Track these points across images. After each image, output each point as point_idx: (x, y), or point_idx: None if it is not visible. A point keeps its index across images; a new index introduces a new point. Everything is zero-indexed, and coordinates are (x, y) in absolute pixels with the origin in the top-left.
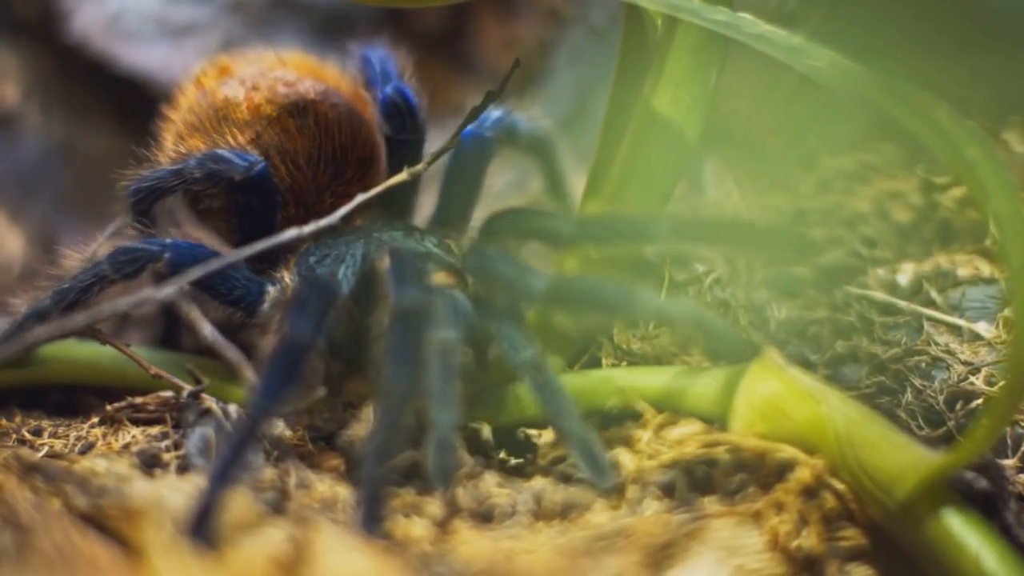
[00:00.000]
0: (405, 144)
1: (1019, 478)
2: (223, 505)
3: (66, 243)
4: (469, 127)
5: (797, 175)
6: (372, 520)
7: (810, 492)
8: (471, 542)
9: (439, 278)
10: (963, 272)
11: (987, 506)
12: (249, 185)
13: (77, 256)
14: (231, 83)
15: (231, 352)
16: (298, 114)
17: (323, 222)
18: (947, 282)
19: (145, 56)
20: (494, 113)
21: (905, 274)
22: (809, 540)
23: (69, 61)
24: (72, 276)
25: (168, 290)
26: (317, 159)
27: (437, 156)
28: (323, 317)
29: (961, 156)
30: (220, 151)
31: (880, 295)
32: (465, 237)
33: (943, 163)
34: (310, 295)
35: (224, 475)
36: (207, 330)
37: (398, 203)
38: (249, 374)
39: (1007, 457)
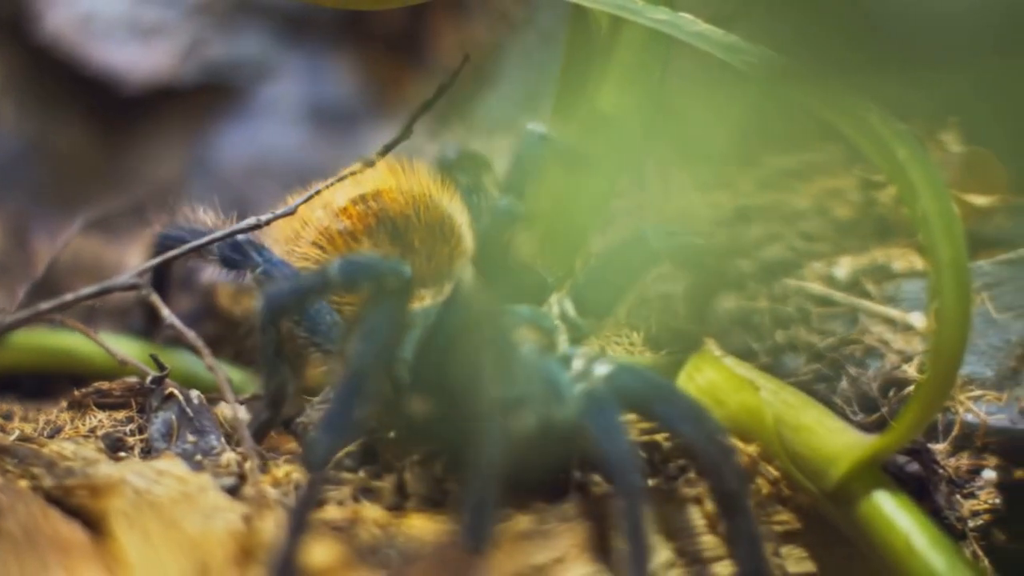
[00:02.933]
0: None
1: (950, 462)
2: (300, 554)
3: (40, 236)
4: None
5: (739, 174)
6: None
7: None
8: (421, 526)
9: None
10: (898, 266)
11: (918, 489)
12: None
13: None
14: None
15: (191, 337)
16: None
17: (280, 212)
18: (883, 275)
19: (115, 56)
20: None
21: (842, 267)
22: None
23: (42, 60)
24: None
25: (124, 278)
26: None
27: (390, 147)
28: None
29: (892, 157)
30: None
31: (818, 287)
32: None
33: (875, 163)
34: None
35: (299, 525)
36: (166, 313)
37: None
38: (209, 360)
39: (939, 442)
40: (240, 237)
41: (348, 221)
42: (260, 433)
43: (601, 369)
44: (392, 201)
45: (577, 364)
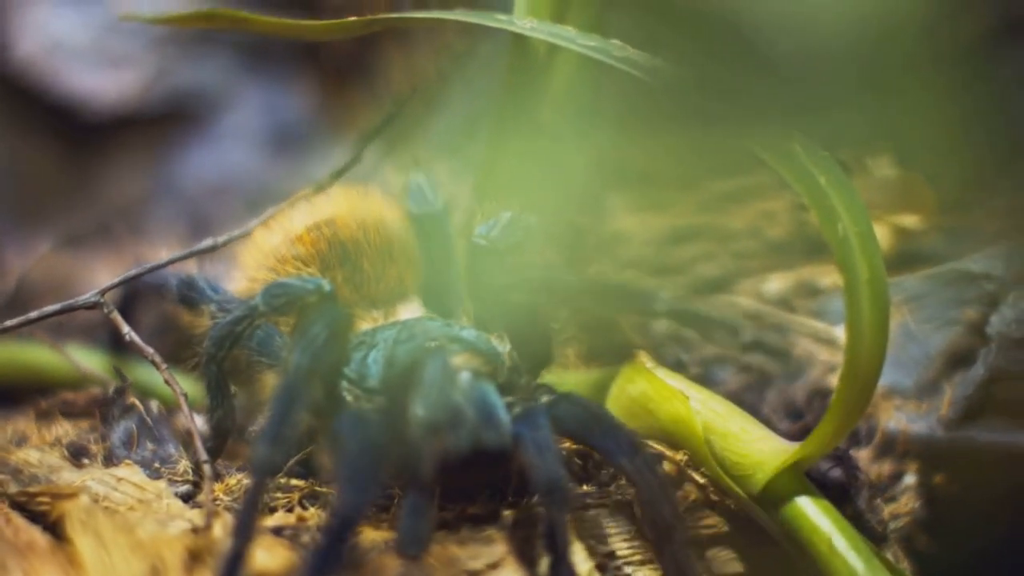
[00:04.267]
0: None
1: (871, 468)
2: (246, 556)
3: (9, 253)
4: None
5: (675, 197)
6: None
7: (673, 484)
8: (364, 532)
9: (460, 360)
10: (825, 283)
11: (841, 493)
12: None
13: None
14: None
15: (147, 351)
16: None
17: (237, 233)
18: (810, 292)
19: (82, 83)
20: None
21: (772, 284)
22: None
23: (12, 86)
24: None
25: (87, 296)
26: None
27: (341, 172)
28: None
29: (813, 182)
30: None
31: (748, 302)
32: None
33: (797, 189)
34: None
35: (244, 528)
36: (125, 330)
37: (439, 296)
38: (166, 374)
39: (862, 448)
40: (196, 276)
41: (301, 247)
42: (212, 453)
43: (545, 396)
44: (344, 227)
45: (522, 390)
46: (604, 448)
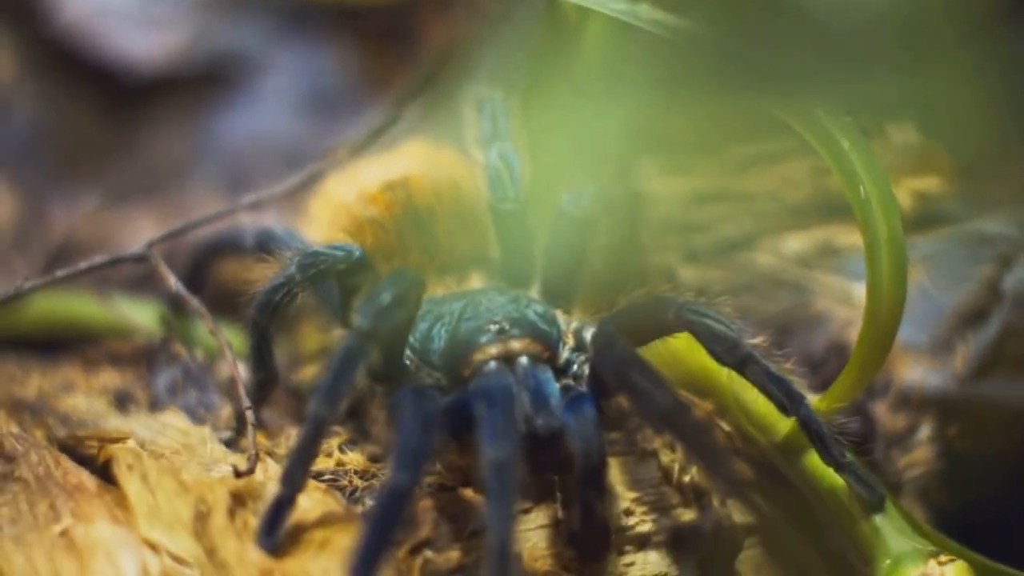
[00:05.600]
0: (507, 213)
1: (888, 420)
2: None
3: (57, 209)
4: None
5: (702, 161)
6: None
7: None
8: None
9: (520, 345)
10: (843, 242)
11: (860, 444)
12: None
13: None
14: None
15: (194, 303)
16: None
17: (279, 189)
18: (829, 251)
19: (125, 46)
20: (592, 190)
21: (792, 244)
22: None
23: (58, 50)
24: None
25: (134, 249)
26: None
27: (378, 134)
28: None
29: (836, 147)
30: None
31: (769, 260)
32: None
33: (821, 153)
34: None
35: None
36: (172, 281)
37: (516, 270)
38: (210, 324)
39: (879, 401)
40: (274, 226)
41: (375, 209)
42: (255, 404)
43: (588, 332)
44: (419, 190)
45: (576, 369)
46: (646, 412)
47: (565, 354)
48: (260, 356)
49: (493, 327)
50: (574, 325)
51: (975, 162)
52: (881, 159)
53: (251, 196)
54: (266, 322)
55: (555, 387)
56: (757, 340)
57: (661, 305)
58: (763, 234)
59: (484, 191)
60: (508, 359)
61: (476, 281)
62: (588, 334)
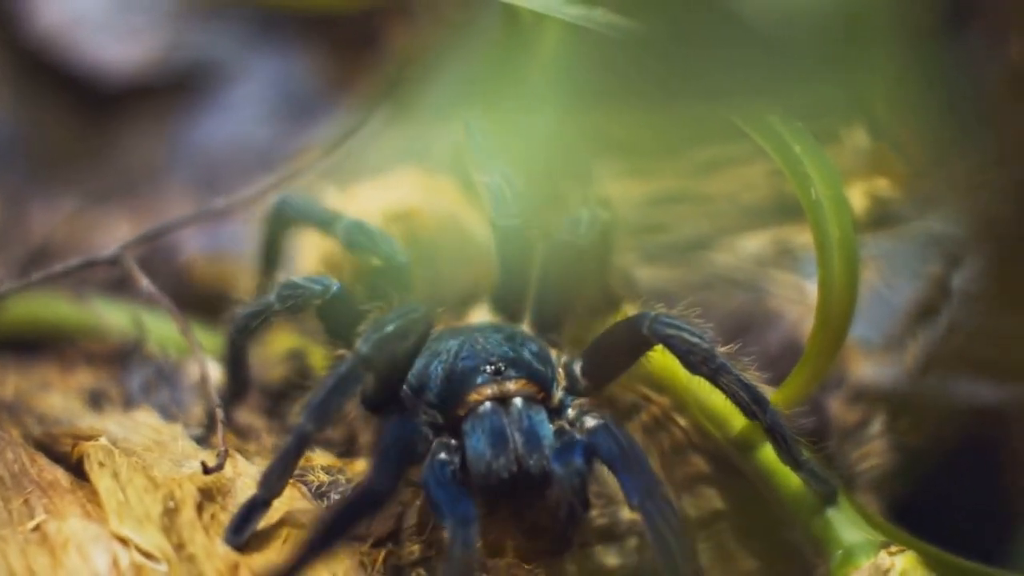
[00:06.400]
0: (509, 230)
1: (841, 415)
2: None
3: (35, 212)
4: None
5: (658, 165)
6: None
7: (659, 425)
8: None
9: (515, 386)
10: (798, 242)
11: (814, 439)
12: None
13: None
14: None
15: (165, 303)
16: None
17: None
18: (785, 250)
19: (100, 54)
20: (588, 217)
21: (748, 244)
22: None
23: (34, 57)
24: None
25: (108, 252)
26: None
27: (346, 137)
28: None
29: (788, 151)
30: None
31: (725, 259)
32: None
33: (773, 156)
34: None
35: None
36: (144, 283)
37: (509, 302)
38: (181, 324)
39: (832, 397)
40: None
41: None
42: (226, 405)
43: (589, 422)
44: (422, 224)
45: (570, 413)
46: (628, 488)
47: (559, 395)
48: (235, 368)
49: (489, 368)
50: (564, 360)
51: (922, 164)
52: (834, 162)
53: (222, 200)
54: (241, 342)
55: (548, 429)
56: (726, 348)
57: (635, 324)
58: (720, 235)
59: (483, 217)
60: (503, 400)
61: (475, 315)
62: (577, 369)
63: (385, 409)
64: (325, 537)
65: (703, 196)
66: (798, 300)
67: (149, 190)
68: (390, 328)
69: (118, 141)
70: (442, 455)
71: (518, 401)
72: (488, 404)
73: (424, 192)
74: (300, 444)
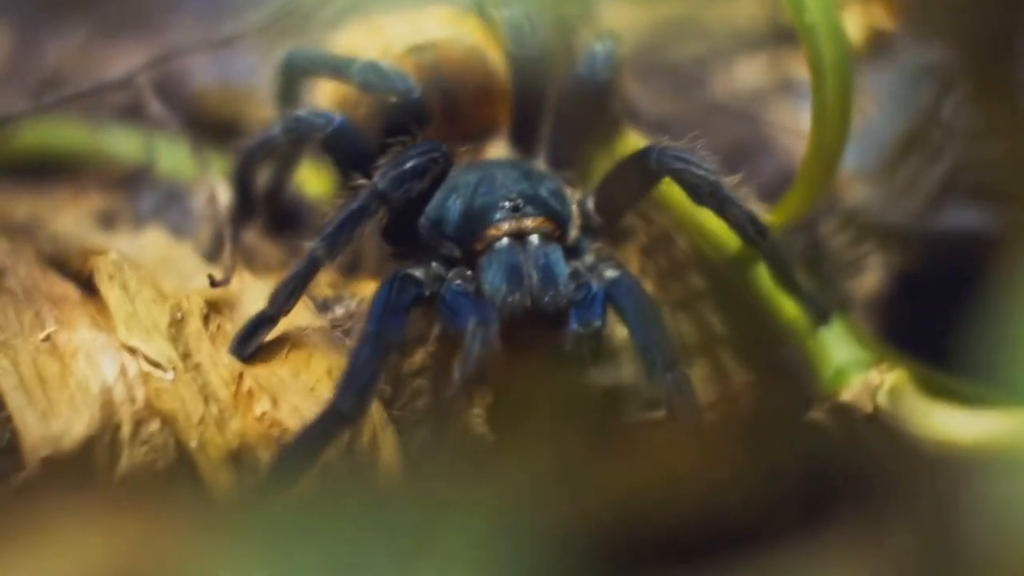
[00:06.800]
0: (527, 61)
1: (835, 241)
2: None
3: (48, 41)
4: (585, 69)
5: None
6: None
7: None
8: (367, 287)
9: (533, 223)
10: (794, 70)
11: (808, 261)
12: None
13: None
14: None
15: (175, 125)
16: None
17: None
18: (783, 80)
19: None
20: (603, 51)
21: (743, 70)
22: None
23: None
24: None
25: (120, 76)
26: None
27: None
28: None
29: None
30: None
31: (724, 89)
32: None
33: None
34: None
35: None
36: (155, 106)
37: (525, 137)
38: (192, 145)
39: (824, 225)
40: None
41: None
42: (233, 226)
43: (608, 273)
44: (445, 56)
45: (588, 259)
46: (643, 350)
47: (574, 233)
48: (242, 195)
49: (507, 204)
50: (578, 197)
51: None
52: None
53: (233, 25)
54: (247, 171)
55: (564, 267)
56: (730, 179)
57: (642, 158)
58: (715, 57)
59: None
60: (520, 236)
61: (493, 151)
62: (590, 206)
63: (401, 241)
64: (348, 384)
65: (700, 21)
66: (794, 130)
67: (161, 21)
68: (408, 165)
69: None
70: (458, 282)
71: (535, 238)
72: (505, 240)
73: (450, 27)
74: (311, 268)
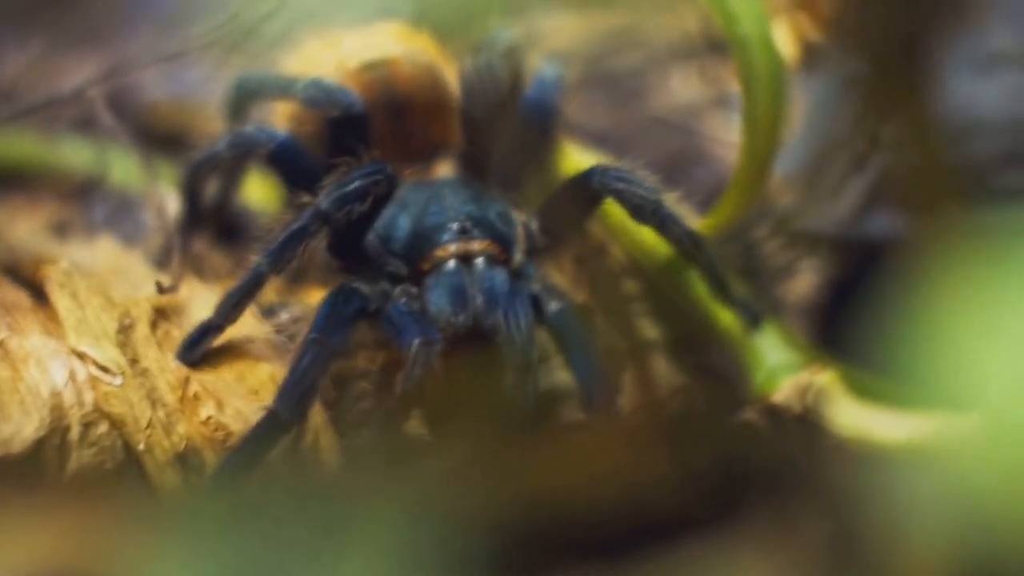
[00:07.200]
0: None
1: (768, 243)
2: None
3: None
4: (534, 92)
5: (601, 4)
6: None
7: (593, 254)
8: (313, 295)
9: (479, 246)
10: (728, 80)
11: (741, 266)
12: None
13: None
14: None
15: (125, 137)
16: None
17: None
18: (712, 89)
19: None
20: (552, 74)
21: (679, 81)
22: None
23: None
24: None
25: (74, 88)
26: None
27: None
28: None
29: None
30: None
31: (659, 100)
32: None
33: None
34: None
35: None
36: (107, 119)
37: (474, 157)
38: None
39: (757, 232)
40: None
41: (353, 87)
42: (182, 236)
43: (552, 305)
44: (399, 74)
45: (534, 286)
46: (582, 383)
47: (519, 256)
48: (191, 207)
49: (455, 226)
50: (523, 220)
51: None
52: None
53: (184, 41)
54: (195, 183)
55: (507, 289)
56: (672, 195)
57: (585, 179)
58: (651, 69)
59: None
60: (466, 259)
61: (444, 170)
62: (534, 227)
63: (348, 256)
64: (288, 391)
65: (638, 33)
66: (727, 141)
67: (115, 35)
68: (351, 187)
69: None
70: (404, 300)
71: (481, 261)
72: (452, 263)
73: (404, 43)
74: (256, 281)
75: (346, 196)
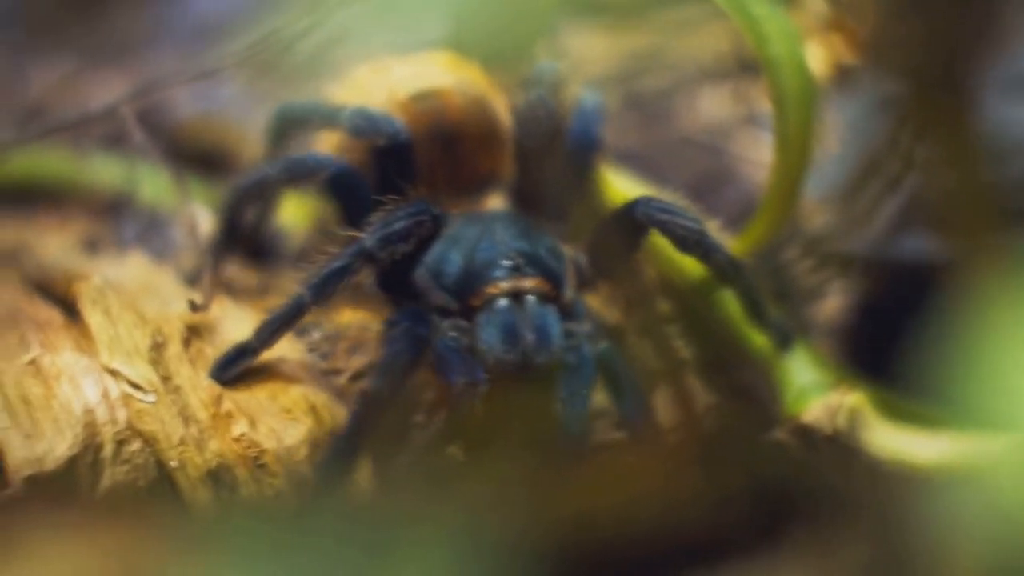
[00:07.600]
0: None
1: (799, 264)
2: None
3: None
4: (577, 124)
5: (631, 24)
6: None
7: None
8: (346, 314)
9: (530, 284)
10: (759, 100)
11: (771, 287)
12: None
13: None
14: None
15: (157, 154)
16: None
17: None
18: (743, 109)
19: None
20: (592, 104)
21: (709, 101)
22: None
23: None
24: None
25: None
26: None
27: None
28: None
29: (747, 12)
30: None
31: (688, 120)
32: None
33: (732, 18)
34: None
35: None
36: (138, 136)
37: (525, 190)
38: (174, 173)
39: (788, 252)
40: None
41: (404, 118)
42: (215, 254)
43: (601, 345)
44: (450, 105)
45: (585, 326)
46: (625, 420)
47: (569, 293)
48: (230, 228)
49: (507, 262)
50: (571, 255)
51: (875, 25)
52: (792, 23)
53: (216, 59)
54: (238, 206)
55: (559, 329)
56: (713, 222)
57: (629, 212)
58: (681, 89)
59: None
60: (517, 296)
61: (493, 203)
62: (583, 263)
63: (397, 291)
64: (347, 445)
65: (668, 52)
66: (757, 161)
67: (145, 52)
68: (396, 227)
69: (115, 4)
70: (452, 334)
71: (532, 299)
72: (504, 300)
73: (454, 73)
74: (296, 311)
75: (390, 236)
